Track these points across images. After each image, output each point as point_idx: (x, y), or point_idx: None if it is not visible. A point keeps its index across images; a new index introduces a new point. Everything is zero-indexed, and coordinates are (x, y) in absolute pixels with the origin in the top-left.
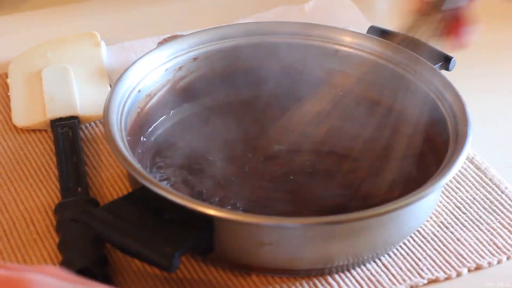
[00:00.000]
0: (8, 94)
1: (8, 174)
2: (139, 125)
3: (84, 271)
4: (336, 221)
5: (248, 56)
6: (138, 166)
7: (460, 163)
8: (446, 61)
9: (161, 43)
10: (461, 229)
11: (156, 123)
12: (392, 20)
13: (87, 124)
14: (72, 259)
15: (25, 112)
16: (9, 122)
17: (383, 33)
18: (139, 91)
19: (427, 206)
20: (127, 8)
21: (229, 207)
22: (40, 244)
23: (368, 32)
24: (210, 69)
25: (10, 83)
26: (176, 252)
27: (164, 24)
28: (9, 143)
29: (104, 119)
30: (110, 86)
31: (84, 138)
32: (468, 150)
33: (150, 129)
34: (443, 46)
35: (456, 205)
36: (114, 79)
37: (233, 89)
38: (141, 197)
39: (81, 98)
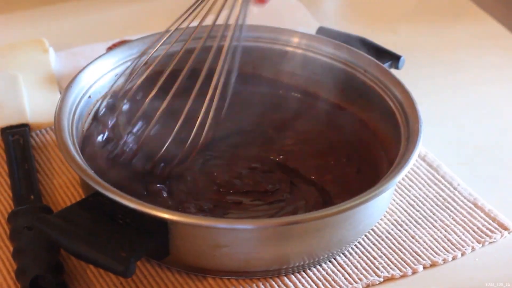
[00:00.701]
0: None
1: None
2: (90, 130)
3: (39, 279)
4: (290, 222)
5: (197, 60)
6: (90, 171)
7: (413, 161)
8: (395, 59)
9: (110, 49)
10: (415, 227)
11: (106, 128)
12: (341, 21)
13: (38, 131)
14: (27, 267)
15: None
16: None
17: (332, 34)
18: (90, 96)
19: (381, 205)
20: (75, 14)
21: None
22: None
23: (317, 33)
24: (158, 73)
25: None
26: (132, 257)
27: (113, 29)
28: None
29: (56, 125)
30: (60, 92)
31: (35, 145)
32: (420, 147)
33: (100, 135)
34: None
35: (409, 203)
36: (63, 85)
37: (183, 92)
38: (94, 203)
39: (31, 105)
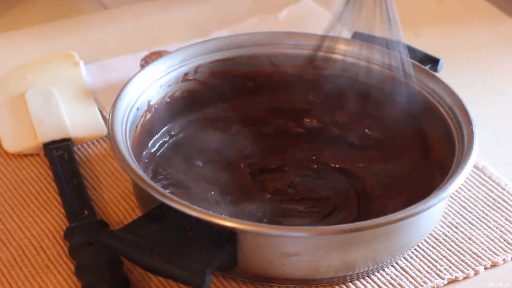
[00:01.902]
0: None
1: (8, 201)
2: (138, 142)
3: None
4: (359, 228)
5: (240, 68)
6: (155, 184)
7: (472, 162)
8: (433, 62)
9: (144, 60)
10: (470, 228)
11: (154, 138)
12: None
13: (79, 146)
14: (94, 284)
15: (14, 137)
16: (0, 148)
17: (368, 38)
18: (137, 108)
19: (441, 208)
20: (102, 25)
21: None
22: (54, 270)
23: (352, 38)
24: (201, 82)
25: None
26: (207, 268)
27: (141, 40)
28: (2, 169)
29: (111, 140)
30: (98, 105)
31: (79, 159)
32: (477, 148)
33: (149, 145)
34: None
35: (461, 205)
36: (98, 98)
37: (226, 101)
38: (160, 215)
39: (70, 119)
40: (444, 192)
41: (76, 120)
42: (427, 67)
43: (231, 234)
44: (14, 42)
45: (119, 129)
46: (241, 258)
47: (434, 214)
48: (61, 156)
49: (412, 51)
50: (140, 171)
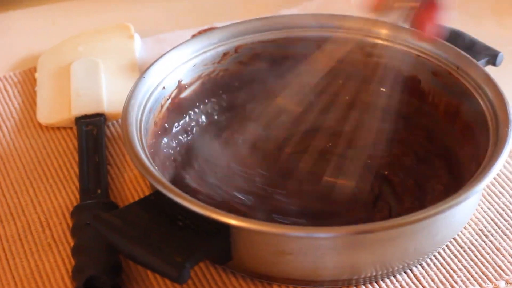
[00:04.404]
0: (35, 89)
1: (28, 174)
2: (163, 124)
3: (94, 279)
4: (359, 231)
5: (282, 50)
6: (153, 169)
7: (498, 167)
8: (492, 55)
9: (195, 36)
10: (502, 238)
11: (182, 121)
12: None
13: (114, 122)
14: (84, 266)
15: (50, 109)
16: (34, 119)
17: None
18: (164, 88)
19: (463, 214)
20: None
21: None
22: (54, 249)
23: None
24: (240, 64)
25: (38, 78)
26: (187, 262)
27: (202, 15)
28: (32, 141)
29: (123, 118)
30: None
31: (110, 136)
32: (507, 153)
33: (176, 128)
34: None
35: (498, 212)
36: None
37: (264, 85)
38: (155, 202)
39: (109, 94)
40: (456, 199)
41: (114, 95)
42: (484, 60)
43: (223, 228)
44: (72, 12)
45: (135, 108)
46: (235, 253)
47: (451, 220)
48: (90, 131)
49: (470, 41)
50: (141, 153)
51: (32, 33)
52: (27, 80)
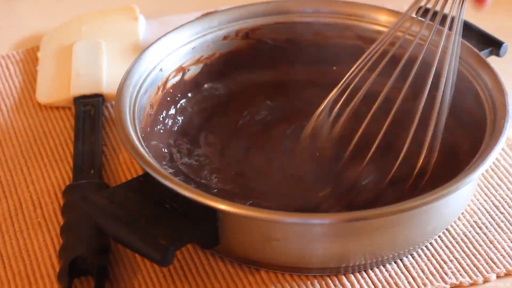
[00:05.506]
0: (37, 68)
1: (23, 153)
2: (159, 105)
3: (80, 260)
4: (349, 218)
5: (281, 35)
6: (142, 150)
7: (492, 158)
8: (496, 46)
9: (197, 18)
10: (496, 231)
11: (180, 103)
12: None
13: (113, 103)
14: (70, 246)
15: (49, 88)
16: (33, 98)
17: (426, 12)
18: (161, 69)
19: (457, 204)
20: None
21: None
22: (44, 228)
23: (416, 12)
24: (238, 48)
25: (40, 57)
26: (171, 245)
27: None
28: (29, 121)
29: (116, 98)
30: None
31: (108, 117)
32: (502, 146)
33: (172, 110)
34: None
35: (494, 204)
36: None
37: (260, 69)
38: (144, 185)
39: (109, 75)
40: (444, 190)
41: (114, 76)
42: (487, 50)
43: (209, 212)
44: None
45: (129, 88)
46: (223, 238)
47: (443, 211)
48: (87, 111)
49: (474, 31)
50: (133, 134)
51: (36, 12)
52: (29, 59)
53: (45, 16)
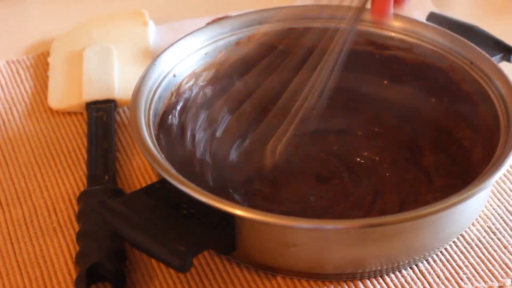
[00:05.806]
0: (47, 74)
1: (37, 159)
2: (172, 111)
3: (98, 266)
4: (364, 225)
5: (292, 41)
6: (158, 156)
7: (507, 164)
8: (507, 51)
9: (209, 24)
10: (510, 236)
11: (193, 109)
12: (457, 6)
13: (125, 108)
14: (88, 252)
15: (61, 94)
16: (45, 104)
17: (442, 20)
18: (174, 75)
19: (471, 210)
20: None
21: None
22: (59, 234)
23: (427, 18)
24: (250, 53)
25: (51, 62)
26: (190, 251)
27: (218, 3)
28: (42, 126)
29: (131, 105)
30: None
31: (120, 122)
32: None
33: (185, 116)
34: None
35: (507, 209)
36: None
37: (273, 75)
38: (161, 190)
39: (120, 80)
40: (464, 194)
41: (126, 81)
42: (498, 56)
43: (227, 218)
44: None
45: (144, 94)
46: (240, 244)
47: (460, 217)
48: (100, 117)
49: (485, 37)
50: (149, 140)
51: (46, 17)
52: (40, 64)
53: (54, 21)
